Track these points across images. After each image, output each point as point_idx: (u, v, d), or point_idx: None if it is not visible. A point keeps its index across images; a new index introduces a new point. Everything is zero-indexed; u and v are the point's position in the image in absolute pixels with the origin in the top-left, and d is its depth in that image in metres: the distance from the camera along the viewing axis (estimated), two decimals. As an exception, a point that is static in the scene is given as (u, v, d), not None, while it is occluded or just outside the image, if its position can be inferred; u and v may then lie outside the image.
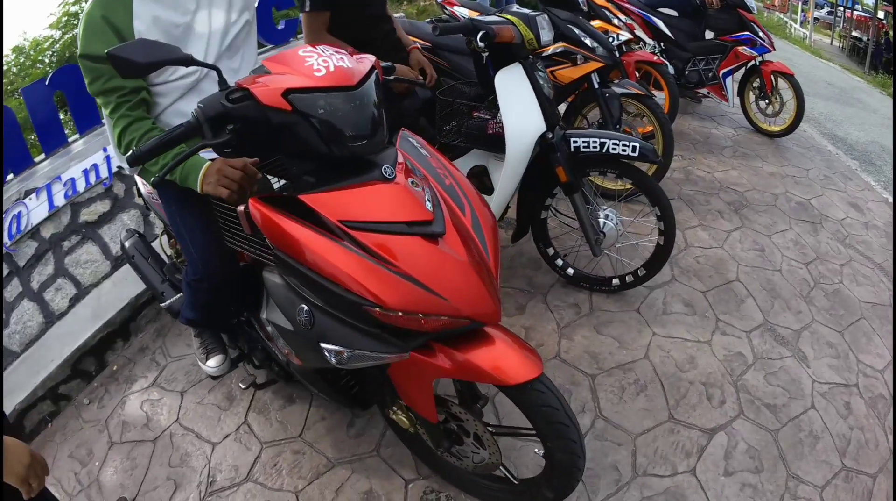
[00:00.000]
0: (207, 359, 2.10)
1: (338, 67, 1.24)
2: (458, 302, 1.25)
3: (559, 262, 2.60)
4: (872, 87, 9.98)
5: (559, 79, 3.04)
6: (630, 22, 4.06)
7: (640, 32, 4.77)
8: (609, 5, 4.01)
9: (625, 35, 3.91)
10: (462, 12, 3.95)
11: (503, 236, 2.54)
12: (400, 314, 1.23)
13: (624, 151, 2.17)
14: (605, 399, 2.18)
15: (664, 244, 2.37)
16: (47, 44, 7.28)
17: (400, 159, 1.40)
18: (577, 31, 3.04)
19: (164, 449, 2.30)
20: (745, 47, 4.46)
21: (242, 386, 2.10)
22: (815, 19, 17.82)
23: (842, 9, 18.54)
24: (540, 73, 2.21)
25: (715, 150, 4.36)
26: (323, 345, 1.32)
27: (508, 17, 2.15)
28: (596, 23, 3.91)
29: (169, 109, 1.72)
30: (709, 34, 4.75)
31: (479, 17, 2.16)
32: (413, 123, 2.44)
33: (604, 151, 2.18)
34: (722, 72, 4.56)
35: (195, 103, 1.20)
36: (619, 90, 3.12)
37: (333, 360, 1.32)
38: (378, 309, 1.22)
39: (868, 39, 15.91)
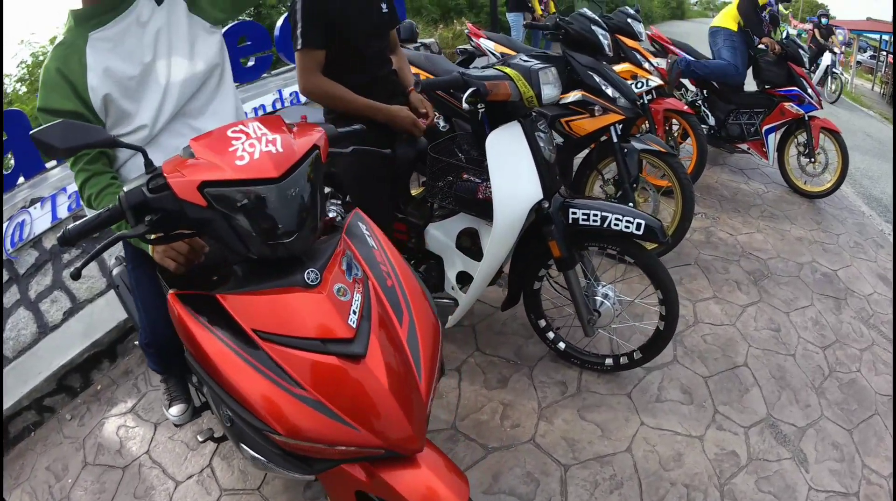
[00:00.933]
0: (170, 406, 1.98)
1: (264, 153, 1.06)
2: (373, 432, 1.08)
3: (550, 335, 2.32)
4: (913, 139, 9.26)
5: (574, 130, 2.75)
6: (662, 66, 3.72)
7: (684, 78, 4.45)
8: (640, 47, 3.67)
9: (655, 81, 3.57)
10: (488, 45, 3.70)
11: (498, 295, 2.29)
12: (301, 443, 1.07)
13: (627, 228, 1.88)
14: (574, 494, 1.90)
15: (664, 331, 2.07)
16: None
17: (340, 249, 1.22)
18: (597, 78, 2.73)
19: (131, 479, 2.21)
20: (791, 104, 4.07)
21: (200, 439, 1.93)
22: (858, 63, 16.75)
23: (884, 53, 17.49)
24: (541, 133, 1.92)
25: (742, 208, 3.97)
26: (242, 446, 1.21)
27: (506, 70, 1.87)
28: (625, 66, 3.59)
29: (128, 162, 1.59)
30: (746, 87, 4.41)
31: (471, 71, 1.87)
32: (407, 172, 2.21)
33: (605, 226, 1.90)
34: (765, 128, 4.16)
35: (158, 157, 1.12)
36: (638, 146, 2.79)
37: (251, 463, 1.19)
38: (278, 437, 1.07)
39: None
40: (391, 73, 2.18)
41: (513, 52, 3.54)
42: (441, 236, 2.16)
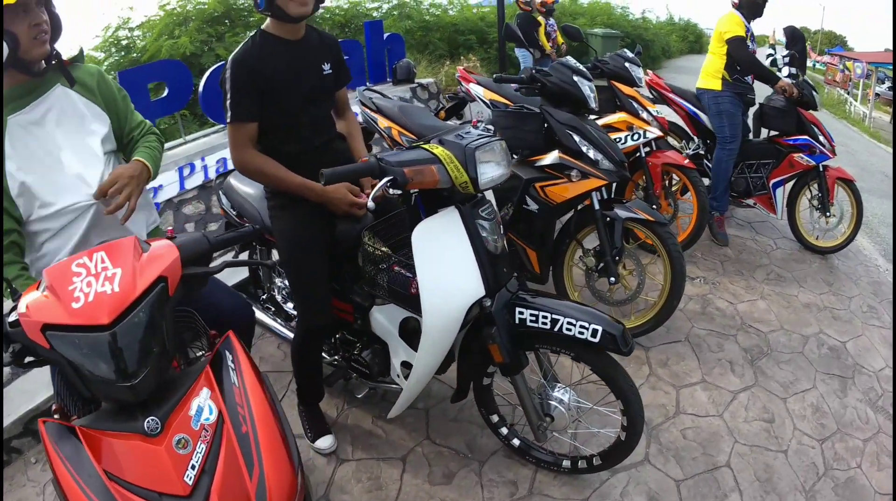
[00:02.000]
0: None
1: (98, 294, 1.00)
2: None
3: (504, 430, 1.99)
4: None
5: (550, 197, 2.41)
6: (661, 115, 3.36)
7: (684, 124, 4.06)
8: (638, 95, 3.31)
9: (653, 132, 3.22)
10: (478, 91, 3.42)
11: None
12: None
13: (581, 334, 1.56)
14: None
15: (625, 442, 1.75)
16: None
17: (197, 386, 1.11)
18: (576, 138, 2.38)
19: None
20: (801, 155, 3.61)
21: None
22: (876, 95, 15.75)
23: None
24: (484, 222, 1.60)
25: (746, 270, 3.54)
26: None
27: (435, 150, 1.53)
28: (620, 116, 3.26)
29: (48, 255, 1.51)
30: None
31: (392, 155, 1.54)
32: (351, 249, 1.93)
33: (555, 330, 1.60)
34: (772, 181, 3.72)
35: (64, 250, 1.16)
36: (623, 214, 2.44)
37: None
38: None
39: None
40: (335, 139, 1.92)
41: (503, 100, 3.26)
42: (384, 321, 1.88)
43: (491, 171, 1.56)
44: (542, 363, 1.83)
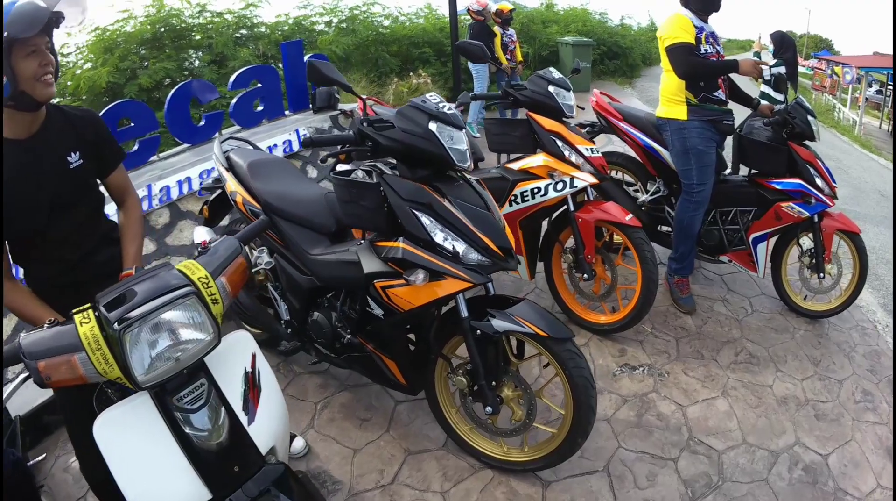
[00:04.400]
0: None
1: None
2: None
3: None
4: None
5: (395, 302, 1.70)
6: (596, 156, 2.62)
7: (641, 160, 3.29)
8: (563, 130, 2.55)
9: (583, 180, 2.49)
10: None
11: None
12: None
13: None
14: None
15: None
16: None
17: None
18: (424, 221, 1.62)
19: None
20: (791, 204, 2.81)
21: None
22: (865, 99, 14.73)
23: (890, 87, 15.48)
24: (188, 413, 1.03)
25: (708, 349, 2.76)
26: None
27: (83, 328, 0.95)
28: (538, 160, 2.55)
29: None
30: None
31: (38, 333, 0.98)
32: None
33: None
34: (753, 236, 2.92)
35: None
36: (502, 325, 1.69)
37: None
38: None
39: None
40: (102, 246, 1.53)
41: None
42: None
43: (160, 360, 0.98)
44: None
